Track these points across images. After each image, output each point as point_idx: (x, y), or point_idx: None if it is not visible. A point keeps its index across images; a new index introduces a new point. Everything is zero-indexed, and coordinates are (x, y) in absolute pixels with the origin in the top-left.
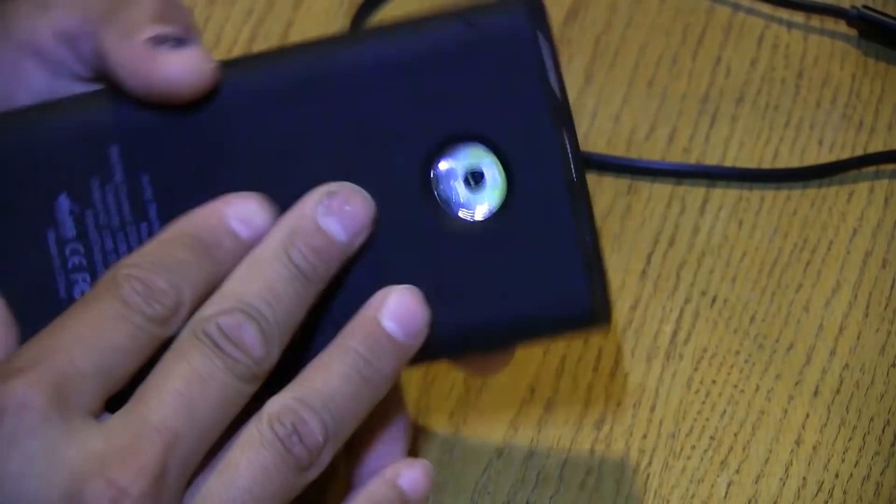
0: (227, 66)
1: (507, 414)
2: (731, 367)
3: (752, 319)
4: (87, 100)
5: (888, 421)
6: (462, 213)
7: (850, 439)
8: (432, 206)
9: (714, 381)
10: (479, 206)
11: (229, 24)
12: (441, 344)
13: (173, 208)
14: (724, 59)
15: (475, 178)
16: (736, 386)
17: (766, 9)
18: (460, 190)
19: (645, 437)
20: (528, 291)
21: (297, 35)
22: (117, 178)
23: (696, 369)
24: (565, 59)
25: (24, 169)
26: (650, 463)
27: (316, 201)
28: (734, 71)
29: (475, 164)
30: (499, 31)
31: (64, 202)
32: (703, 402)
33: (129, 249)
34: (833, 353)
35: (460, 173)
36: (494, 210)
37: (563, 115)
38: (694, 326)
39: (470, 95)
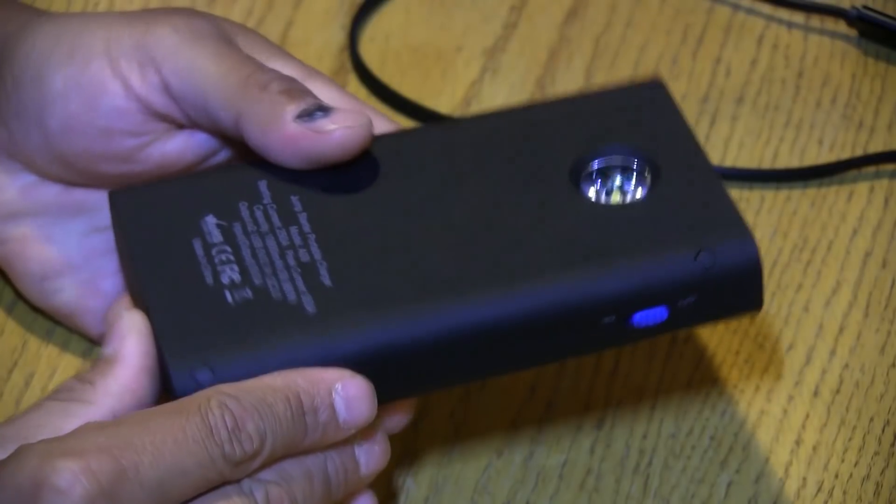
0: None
1: (507, 414)
2: (731, 367)
3: (752, 319)
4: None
5: (888, 421)
6: (611, 201)
7: (850, 439)
8: (582, 200)
9: (714, 381)
10: (626, 195)
11: None
12: (607, 299)
13: (326, 215)
14: (724, 59)
15: (621, 180)
16: (736, 386)
17: (766, 9)
18: (607, 188)
19: (645, 437)
20: (693, 237)
21: (298, 35)
22: (265, 201)
23: (696, 369)
24: (565, 59)
25: (173, 208)
26: (650, 463)
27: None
28: (734, 71)
29: (621, 174)
30: (642, 89)
31: (210, 219)
32: (703, 402)
33: (280, 246)
34: (833, 353)
35: (607, 176)
36: (643, 197)
37: None
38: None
39: (620, 123)
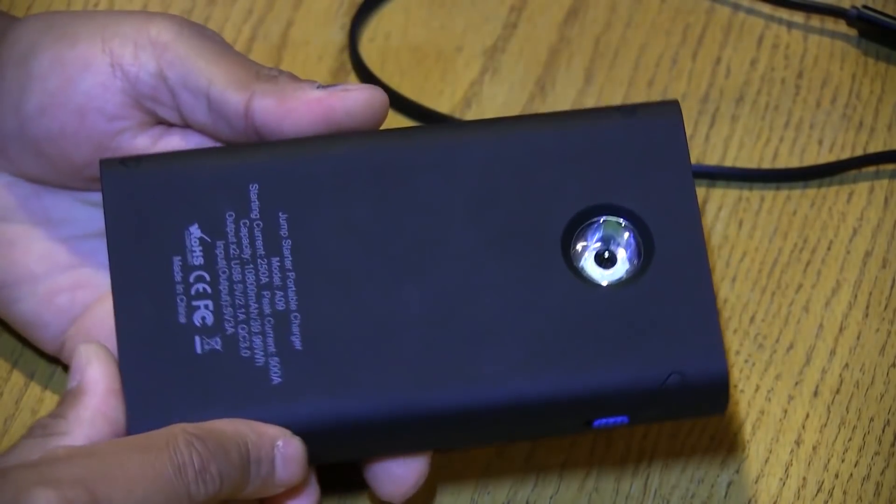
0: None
1: None
2: (731, 367)
3: (752, 319)
4: (228, 147)
5: (888, 421)
6: (599, 279)
7: (850, 439)
8: (567, 272)
9: None
10: (615, 272)
11: (229, 23)
12: (570, 406)
13: (308, 247)
14: (724, 59)
15: (612, 249)
16: (736, 386)
17: (766, 9)
18: (596, 258)
19: (645, 437)
20: (665, 356)
21: (298, 35)
22: (253, 215)
23: None
24: (565, 59)
25: (162, 199)
26: (650, 463)
27: None
28: (734, 71)
29: (615, 235)
30: (654, 124)
31: (195, 231)
32: None
33: (258, 284)
34: (833, 353)
35: (598, 242)
36: (630, 276)
37: None
38: None
39: (621, 172)
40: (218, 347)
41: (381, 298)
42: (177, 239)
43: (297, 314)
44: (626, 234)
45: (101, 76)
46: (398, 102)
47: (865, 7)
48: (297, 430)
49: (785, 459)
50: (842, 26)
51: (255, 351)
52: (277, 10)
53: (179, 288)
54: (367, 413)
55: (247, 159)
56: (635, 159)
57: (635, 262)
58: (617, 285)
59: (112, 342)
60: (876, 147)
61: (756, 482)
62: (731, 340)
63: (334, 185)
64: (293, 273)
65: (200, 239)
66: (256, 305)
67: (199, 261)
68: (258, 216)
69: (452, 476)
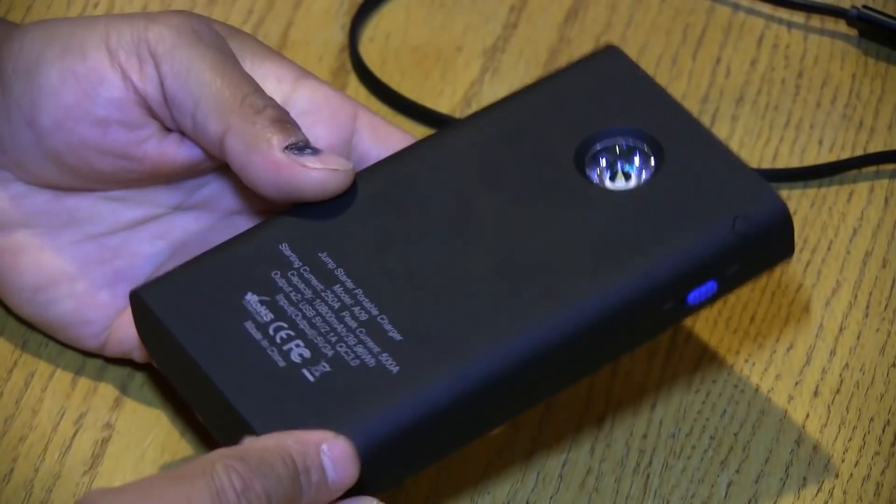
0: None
1: None
2: (731, 367)
3: (752, 319)
4: (245, 231)
5: (888, 421)
6: (627, 188)
7: (850, 439)
8: (599, 190)
9: (714, 381)
10: (636, 179)
11: (229, 24)
12: (662, 286)
13: (360, 266)
14: (724, 59)
15: (624, 164)
16: (736, 386)
17: (766, 9)
18: (614, 177)
19: (645, 437)
20: (724, 208)
21: (298, 35)
22: (297, 265)
23: (696, 369)
24: (565, 59)
25: (210, 293)
26: (650, 463)
27: None
28: (734, 71)
29: (621, 152)
30: (606, 61)
31: (251, 297)
32: (703, 402)
33: (332, 309)
34: (833, 353)
35: (609, 164)
36: (652, 175)
37: None
38: (694, 326)
39: (600, 104)
40: (327, 369)
41: (447, 275)
42: (240, 311)
43: (382, 316)
44: (631, 147)
45: (116, 90)
46: (398, 103)
47: (865, 7)
48: (436, 408)
49: (785, 459)
50: (842, 26)
51: (363, 357)
52: (277, 10)
53: (265, 343)
54: (494, 364)
55: (265, 229)
56: (607, 91)
57: (649, 166)
58: (646, 185)
59: None
60: (876, 147)
61: (756, 482)
62: (731, 340)
63: (354, 212)
64: (359, 289)
65: (260, 300)
66: (342, 325)
67: (269, 317)
68: (301, 264)
69: (452, 476)
